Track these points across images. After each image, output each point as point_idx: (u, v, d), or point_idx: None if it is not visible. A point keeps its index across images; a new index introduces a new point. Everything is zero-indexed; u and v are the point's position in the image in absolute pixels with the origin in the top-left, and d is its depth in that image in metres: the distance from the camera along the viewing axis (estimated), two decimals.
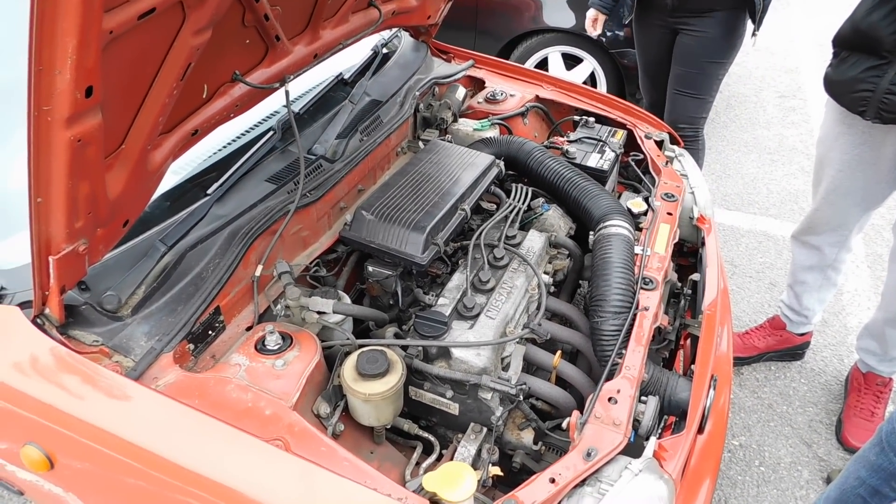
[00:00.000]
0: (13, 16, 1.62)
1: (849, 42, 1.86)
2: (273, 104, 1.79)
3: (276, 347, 1.26)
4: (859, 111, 1.87)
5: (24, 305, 1.20)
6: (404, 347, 1.35)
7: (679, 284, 1.81)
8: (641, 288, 1.51)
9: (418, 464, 1.31)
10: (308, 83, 1.97)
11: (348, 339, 1.36)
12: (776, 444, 2.28)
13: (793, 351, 2.55)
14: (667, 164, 2.02)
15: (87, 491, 1.33)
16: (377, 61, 2.07)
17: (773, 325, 2.54)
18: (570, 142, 2.04)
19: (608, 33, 3.48)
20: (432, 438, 1.36)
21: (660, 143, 2.11)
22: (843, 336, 2.70)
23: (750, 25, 2.53)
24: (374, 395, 1.21)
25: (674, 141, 2.15)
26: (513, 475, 1.42)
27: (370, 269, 1.58)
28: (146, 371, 1.19)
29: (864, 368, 2.32)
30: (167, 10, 1.01)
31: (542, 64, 3.81)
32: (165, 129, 1.27)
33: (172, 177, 1.53)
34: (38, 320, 1.16)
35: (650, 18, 2.64)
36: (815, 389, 2.49)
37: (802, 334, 2.51)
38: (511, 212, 1.74)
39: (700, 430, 1.33)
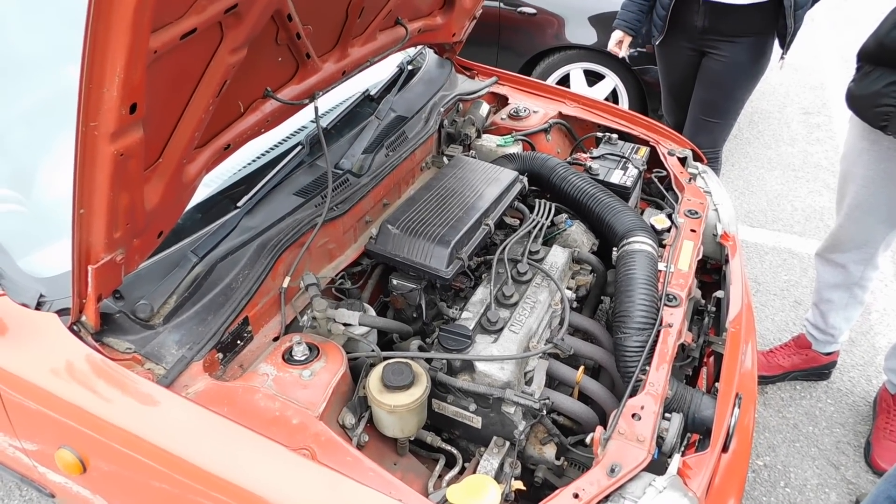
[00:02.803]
0: (58, 33, 1.69)
1: (873, 56, 1.86)
2: (301, 119, 1.83)
3: (303, 358, 1.29)
4: (881, 126, 1.86)
5: (61, 312, 1.24)
6: (428, 360, 1.37)
7: (703, 301, 1.80)
8: (665, 304, 1.51)
9: (441, 476, 1.31)
10: (336, 99, 2.01)
11: (373, 350, 1.38)
12: (802, 465, 2.24)
13: (819, 370, 2.50)
14: (690, 180, 2.02)
15: (115, 494, 1.36)
16: (403, 78, 2.11)
17: (798, 343, 2.50)
18: (593, 158, 2.05)
19: (630, 49, 3.50)
20: (455, 451, 1.36)
21: (683, 160, 2.11)
22: (872, 356, 2.65)
23: (777, 49, 2.52)
24: (398, 406, 1.23)
25: (696, 157, 2.15)
26: (535, 490, 1.42)
27: (395, 282, 1.60)
28: (177, 379, 1.22)
29: (892, 389, 2.28)
30: (207, 30, 1.05)
31: (564, 80, 3.84)
32: (200, 144, 1.31)
33: (204, 189, 1.57)
34: (75, 327, 1.20)
35: (677, 40, 2.63)
36: (843, 410, 2.44)
37: (829, 353, 2.47)
38: (534, 227, 1.75)
39: (724, 448, 1.32)
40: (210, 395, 1.20)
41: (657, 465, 1.19)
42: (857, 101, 1.94)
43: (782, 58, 2.52)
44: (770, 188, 3.79)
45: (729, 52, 2.51)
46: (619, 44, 2.75)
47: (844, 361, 2.59)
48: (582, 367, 1.49)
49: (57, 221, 1.41)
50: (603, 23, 3.51)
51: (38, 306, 1.26)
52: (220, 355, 1.31)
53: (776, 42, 2.52)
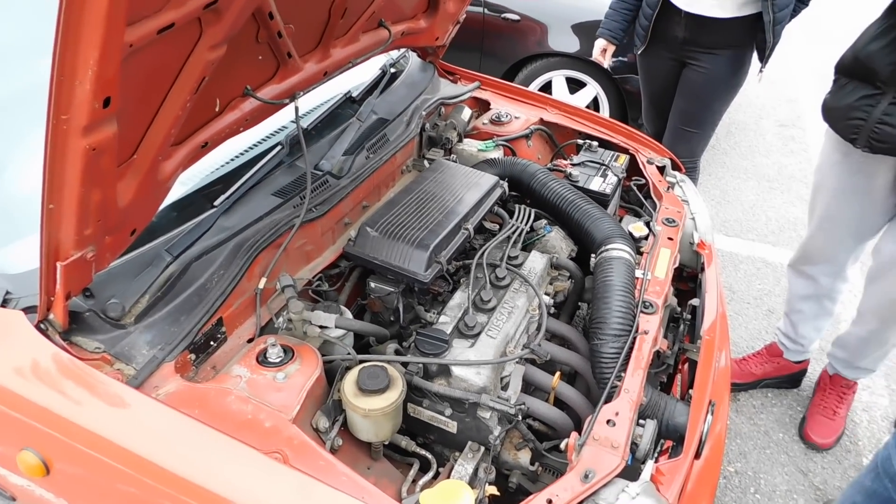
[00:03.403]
0: (32, 25, 1.65)
1: (848, 69, 1.90)
2: (281, 119, 1.82)
3: (277, 360, 1.27)
4: (851, 138, 1.90)
5: (28, 310, 1.20)
6: (405, 364, 1.36)
7: (679, 309, 1.82)
8: (641, 311, 1.52)
9: (415, 481, 1.30)
10: (317, 100, 1.99)
11: (349, 353, 1.37)
12: (772, 471, 2.28)
13: (790, 378, 2.57)
14: (668, 189, 2.04)
15: (79, 497, 1.32)
16: (385, 80, 2.10)
17: (770, 351, 2.56)
18: (574, 165, 2.06)
19: (612, 59, 3.54)
20: (430, 456, 1.35)
21: (661, 169, 2.14)
22: None
23: (756, 62, 2.57)
24: (373, 410, 1.22)
25: (675, 167, 2.17)
26: (509, 495, 1.41)
27: (372, 285, 1.59)
28: (147, 380, 1.19)
29: (831, 371, 2.43)
30: (185, 25, 1.04)
31: (546, 87, 3.86)
32: (177, 141, 1.29)
33: (180, 187, 1.54)
34: (42, 325, 1.17)
35: (658, 50, 2.66)
36: None
37: (799, 362, 2.53)
38: (514, 232, 1.75)
39: (697, 454, 1.33)
40: (181, 397, 1.17)
41: (631, 472, 1.20)
42: (831, 112, 1.98)
43: (761, 71, 2.57)
44: (745, 198, 3.86)
45: (709, 64, 2.54)
46: (603, 52, 2.78)
47: (814, 370, 2.64)
48: (558, 373, 1.49)
49: (25, 217, 1.37)
50: (586, 31, 3.54)
51: (4, 304, 1.23)
52: (193, 356, 1.29)
53: (755, 55, 2.56)
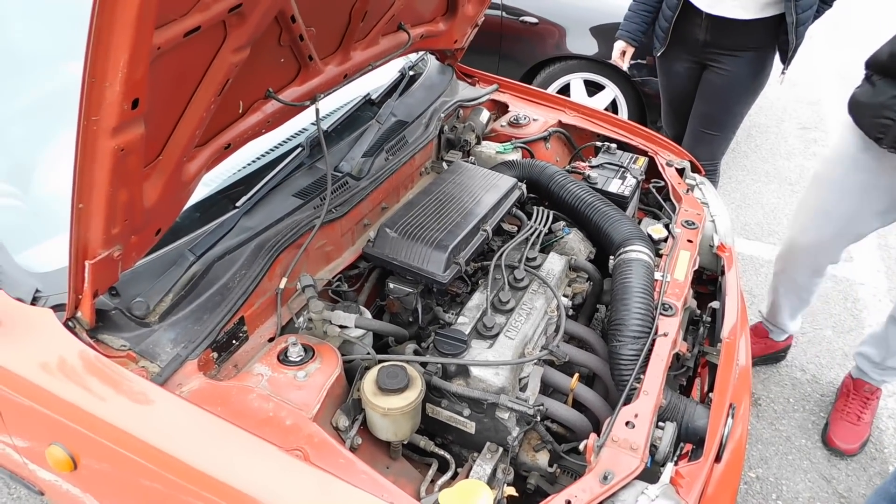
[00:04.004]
0: (60, 30, 1.69)
1: (883, 67, 1.87)
2: (302, 121, 1.84)
3: (298, 359, 1.28)
4: (877, 137, 1.88)
5: (56, 308, 1.23)
6: (424, 364, 1.36)
7: (698, 312, 1.80)
8: (661, 314, 1.51)
9: (433, 481, 1.31)
10: (337, 102, 2.01)
11: (369, 353, 1.38)
12: (794, 477, 2.24)
13: (776, 355, 2.69)
14: (687, 191, 2.03)
15: (105, 492, 1.35)
16: (404, 83, 2.11)
17: (756, 332, 2.66)
18: (592, 167, 2.06)
19: (631, 61, 3.52)
20: (448, 456, 1.36)
21: (681, 171, 2.12)
22: None
23: (778, 64, 2.54)
24: (392, 409, 1.22)
25: (695, 169, 2.16)
26: (527, 497, 1.41)
27: (391, 285, 1.60)
28: (171, 377, 1.22)
29: (855, 374, 2.42)
30: (211, 28, 1.06)
31: (565, 90, 3.85)
32: (201, 142, 1.31)
33: (203, 188, 1.57)
34: (70, 323, 1.20)
35: (678, 52, 2.64)
36: None
37: (783, 340, 2.65)
38: (532, 234, 1.75)
39: (717, 458, 1.32)
40: (204, 395, 1.19)
41: (650, 474, 1.19)
42: (860, 108, 1.95)
43: (783, 73, 2.54)
44: (767, 201, 3.81)
45: (730, 66, 2.52)
46: (623, 54, 2.77)
47: (838, 376, 2.60)
48: (576, 375, 1.49)
49: (54, 217, 1.41)
50: (604, 34, 3.53)
51: (34, 301, 1.26)
52: (215, 355, 1.31)
53: (776, 57, 2.54)
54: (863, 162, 1.98)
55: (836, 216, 2.11)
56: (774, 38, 2.45)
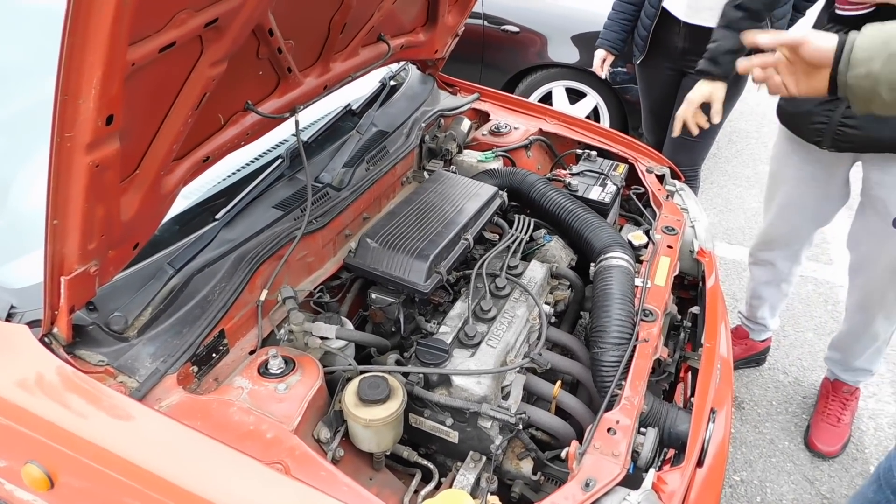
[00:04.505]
0: (38, 45, 1.68)
1: None
2: (282, 133, 1.84)
3: (278, 371, 1.28)
4: (816, 141, 1.95)
5: (32, 324, 1.22)
6: (405, 374, 1.36)
7: (679, 317, 1.82)
8: (641, 320, 1.52)
9: (416, 491, 1.30)
10: (317, 113, 2.01)
11: (350, 364, 1.37)
12: (778, 480, 2.26)
13: (756, 357, 2.72)
14: (667, 197, 2.05)
15: None
16: (385, 93, 2.12)
17: (737, 335, 2.69)
18: (573, 174, 2.08)
19: (611, 69, 3.56)
20: (431, 466, 1.36)
21: (661, 178, 2.15)
22: None
23: None
24: (374, 420, 1.22)
25: (674, 175, 2.18)
26: None
27: (373, 296, 1.60)
28: (150, 392, 1.20)
29: (831, 377, 2.47)
30: (187, 43, 1.06)
31: (546, 98, 3.89)
32: (179, 156, 1.31)
33: (182, 201, 1.56)
34: (46, 339, 1.18)
35: (658, 60, 2.68)
36: None
37: (763, 340, 2.69)
38: (513, 242, 1.76)
39: (699, 463, 1.33)
40: (184, 409, 1.18)
41: (632, 480, 1.20)
42: (791, 118, 2.04)
43: None
44: (748, 206, 3.86)
45: None
46: (603, 62, 2.80)
47: (817, 377, 2.63)
48: (559, 382, 1.50)
49: (30, 232, 1.39)
50: (585, 42, 3.57)
51: (9, 318, 1.24)
52: (195, 368, 1.30)
53: None
54: (808, 156, 2.06)
55: (803, 207, 2.19)
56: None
